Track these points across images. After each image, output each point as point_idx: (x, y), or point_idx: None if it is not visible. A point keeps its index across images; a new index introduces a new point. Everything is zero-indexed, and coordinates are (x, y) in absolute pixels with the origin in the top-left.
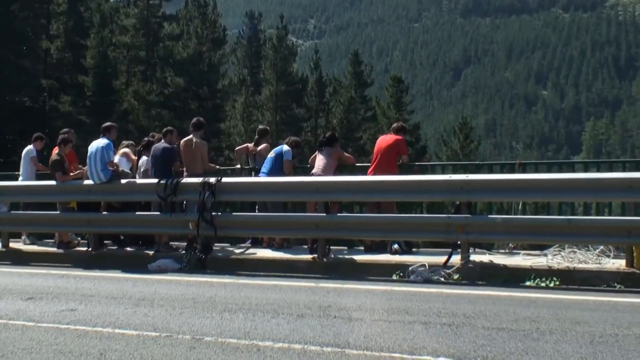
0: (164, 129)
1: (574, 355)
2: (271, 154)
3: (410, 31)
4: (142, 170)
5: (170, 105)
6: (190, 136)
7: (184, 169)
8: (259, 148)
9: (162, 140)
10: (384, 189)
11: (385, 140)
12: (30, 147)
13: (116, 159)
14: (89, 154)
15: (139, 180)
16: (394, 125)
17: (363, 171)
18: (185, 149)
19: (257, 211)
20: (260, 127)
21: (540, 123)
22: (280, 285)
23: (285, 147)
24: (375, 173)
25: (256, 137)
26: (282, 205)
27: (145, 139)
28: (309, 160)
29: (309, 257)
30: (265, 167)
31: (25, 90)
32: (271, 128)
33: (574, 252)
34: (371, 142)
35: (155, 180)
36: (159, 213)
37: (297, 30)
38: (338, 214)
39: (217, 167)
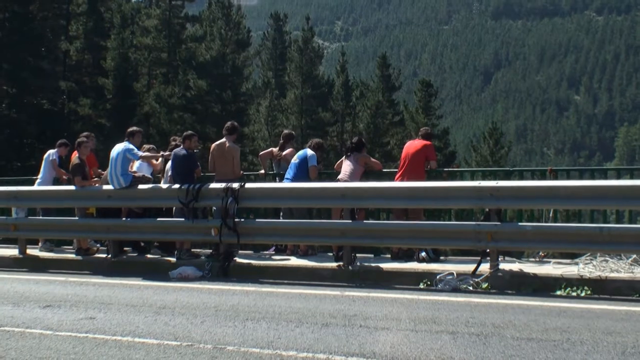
0: (184, 134)
1: None
2: (295, 160)
3: (439, 34)
4: (169, 174)
5: (192, 109)
6: (223, 140)
7: (215, 174)
8: (284, 153)
9: (182, 146)
10: (411, 195)
11: (413, 145)
12: (52, 151)
13: (136, 164)
14: (110, 158)
15: (160, 186)
16: (422, 130)
17: (390, 177)
18: (217, 153)
19: (282, 218)
20: (286, 131)
21: (572, 128)
22: (305, 294)
23: (310, 152)
24: (402, 179)
25: (281, 141)
26: (307, 212)
27: (173, 143)
28: (335, 166)
29: (334, 264)
30: (289, 173)
31: (43, 93)
32: (296, 132)
33: (606, 261)
34: (399, 148)
35: (176, 186)
36: (181, 219)
37: (323, 32)
38: (364, 221)
39: (241, 172)
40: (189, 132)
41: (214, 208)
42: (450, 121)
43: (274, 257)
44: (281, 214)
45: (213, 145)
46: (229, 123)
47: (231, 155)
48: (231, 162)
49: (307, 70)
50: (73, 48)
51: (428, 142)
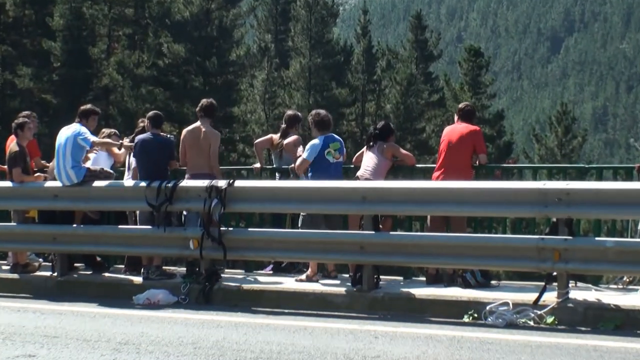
0: (150, 114)
1: None
2: (337, 157)
3: None
4: (133, 167)
5: (165, 82)
6: (197, 123)
7: (186, 167)
8: (286, 141)
9: (150, 130)
10: (454, 198)
11: (456, 131)
12: None
13: (93, 154)
14: (57, 145)
15: (123, 183)
16: (462, 107)
17: (426, 174)
18: (189, 140)
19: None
20: (289, 112)
21: None
22: (312, 327)
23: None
24: (442, 177)
25: (283, 126)
26: (336, 221)
27: (141, 125)
28: (354, 159)
29: (351, 289)
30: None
31: None
32: (303, 114)
33: None
34: (437, 136)
35: (144, 183)
36: (149, 227)
37: None
38: (391, 232)
39: (219, 167)
40: (157, 112)
41: (184, 213)
42: (505, 102)
43: (271, 278)
44: (300, 222)
45: (184, 131)
46: (205, 101)
47: (207, 143)
48: (207, 152)
49: (317, 33)
50: (9, 1)
51: (476, 128)
